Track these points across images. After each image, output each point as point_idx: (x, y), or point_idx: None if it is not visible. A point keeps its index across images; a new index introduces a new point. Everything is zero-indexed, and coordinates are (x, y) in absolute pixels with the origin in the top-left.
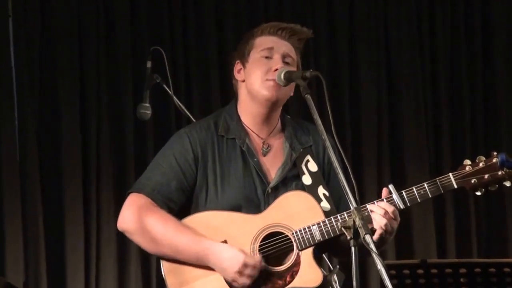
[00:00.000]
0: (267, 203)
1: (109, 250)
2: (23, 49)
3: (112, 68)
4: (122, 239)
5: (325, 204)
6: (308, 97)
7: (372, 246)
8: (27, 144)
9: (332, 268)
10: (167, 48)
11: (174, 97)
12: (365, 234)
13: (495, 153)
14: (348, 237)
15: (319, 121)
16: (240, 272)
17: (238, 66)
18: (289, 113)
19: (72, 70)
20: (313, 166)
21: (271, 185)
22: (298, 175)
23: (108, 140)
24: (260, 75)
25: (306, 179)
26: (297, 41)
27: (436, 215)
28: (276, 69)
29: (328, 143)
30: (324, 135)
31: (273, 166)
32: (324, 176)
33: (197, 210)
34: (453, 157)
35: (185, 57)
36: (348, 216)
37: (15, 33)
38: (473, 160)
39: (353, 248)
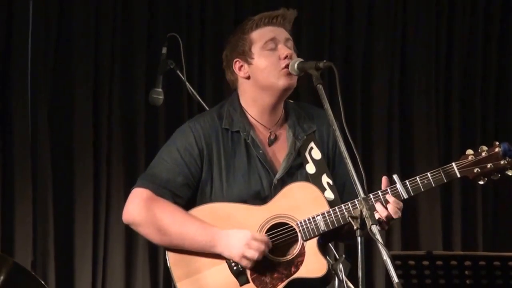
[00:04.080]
0: (274, 196)
1: (118, 232)
2: (41, 32)
3: (126, 53)
4: None
5: (329, 194)
6: (320, 87)
7: (378, 236)
8: (39, 126)
9: (338, 257)
10: (183, 35)
11: (187, 83)
12: (372, 224)
13: (497, 143)
14: (355, 227)
15: (329, 111)
16: (248, 245)
17: (237, 64)
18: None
19: (88, 53)
20: (316, 154)
21: (277, 177)
22: (302, 164)
23: (120, 124)
24: (273, 67)
25: (310, 168)
26: (288, 24)
27: (443, 208)
28: (286, 56)
29: (338, 133)
30: (334, 125)
31: (278, 156)
32: (329, 162)
33: (202, 204)
34: (462, 148)
35: (200, 45)
36: (353, 207)
37: (34, 16)
38: (475, 150)
39: (359, 238)
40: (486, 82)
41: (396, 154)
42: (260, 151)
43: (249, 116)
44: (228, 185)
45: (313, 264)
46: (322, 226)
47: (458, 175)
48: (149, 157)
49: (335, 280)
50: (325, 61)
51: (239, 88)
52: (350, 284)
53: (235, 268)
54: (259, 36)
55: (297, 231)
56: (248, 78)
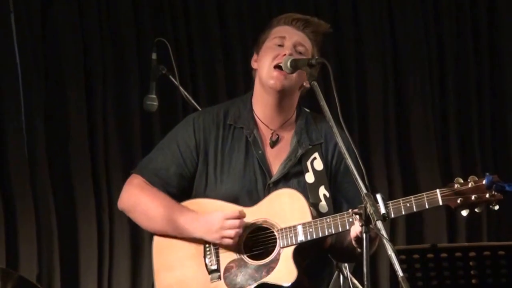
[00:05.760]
0: (267, 195)
1: (122, 243)
2: (27, 44)
3: (117, 60)
4: (135, 231)
5: (323, 206)
6: (315, 83)
7: (383, 232)
8: (35, 140)
9: None
10: (171, 39)
11: (180, 88)
12: (377, 220)
13: (487, 174)
14: (360, 224)
15: (325, 107)
16: (222, 227)
17: (255, 56)
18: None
19: (77, 62)
20: (319, 165)
21: (272, 180)
22: (302, 172)
23: (115, 132)
24: (268, 62)
25: (309, 177)
26: (312, 33)
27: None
28: (285, 54)
29: (335, 129)
30: (331, 122)
31: (278, 159)
32: (329, 177)
33: (196, 197)
34: (460, 144)
35: (190, 48)
36: (333, 220)
37: (18, 28)
38: (465, 179)
39: (364, 235)
40: (480, 75)
41: (394, 147)
42: (260, 152)
43: (255, 115)
44: (222, 180)
45: (283, 272)
46: (301, 236)
47: (440, 203)
48: None
49: (340, 277)
50: (317, 57)
51: (255, 82)
52: (354, 280)
53: (210, 265)
54: (275, 32)
55: (277, 237)
56: (257, 69)
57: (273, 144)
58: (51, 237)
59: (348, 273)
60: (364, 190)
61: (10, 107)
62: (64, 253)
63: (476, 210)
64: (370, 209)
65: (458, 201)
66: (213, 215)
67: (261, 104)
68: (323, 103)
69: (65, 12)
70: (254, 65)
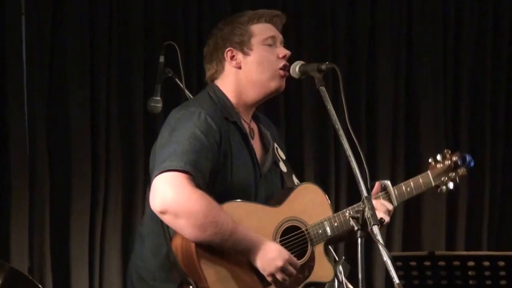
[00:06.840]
0: (259, 189)
1: (114, 239)
2: (35, 44)
3: (123, 62)
4: (127, 227)
5: None
6: (323, 88)
7: (379, 237)
8: (36, 136)
9: (337, 258)
10: (180, 43)
11: (186, 91)
12: (373, 225)
13: (467, 154)
14: (356, 228)
15: (332, 112)
16: (284, 268)
17: (230, 53)
18: (302, 104)
19: (83, 64)
20: (282, 154)
21: (264, 171)
22: (277, 162)
23: (118, 133)
24: (270, 65)
25: (283, 166)
26: (281, 28)
27: (448, 205)
28: (284, 56)
29: (341, 132)
30: (338, 125)
31: (257, 151)
32: None
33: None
34: (471, 144)
35: (198, 52)
36: (353, 210)
37: (28, 30)
38: (434, 157)
39: (359, 240)
40: (496, 74)
41: (401, 157)
42: (251, 145)
43: (236, 109)
44: (232, 174)
45: (324, 269)
46: (329, 231)
47: (433, 184)
48: (148, 165)
49: (334, 282)
50: (327, 62)
51: (224, 79)
52: (350, 286)
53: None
54: (260, 30)
55: (307, 235)
56: (239, 68)
57: (252, 137)
58: (43, 230)
59: (343, 278)
60: (365, 193)
61: (14, 104)
62: (55, 246)
63: (449, 187)
64: (368, 213)
65: (442, 179)
66: (280, 251)
67: (243, 101)
68: (330, 107)
69: (75, 14)
70: (232, 63)
